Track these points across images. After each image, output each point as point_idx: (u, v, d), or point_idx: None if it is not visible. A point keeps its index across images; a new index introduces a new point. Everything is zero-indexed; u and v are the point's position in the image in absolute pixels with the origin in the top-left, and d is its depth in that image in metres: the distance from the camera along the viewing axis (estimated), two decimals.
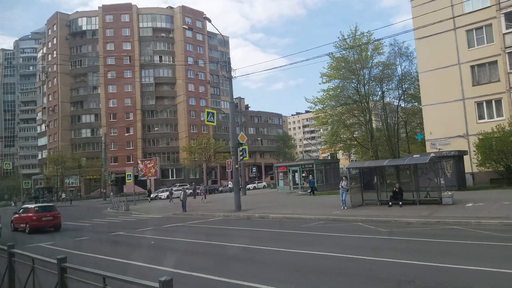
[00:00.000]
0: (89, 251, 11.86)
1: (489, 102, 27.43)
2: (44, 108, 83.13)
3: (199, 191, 36.23)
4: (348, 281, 7.04)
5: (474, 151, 25.12)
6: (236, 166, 23.51)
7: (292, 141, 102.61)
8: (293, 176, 36.98)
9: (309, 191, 30.28)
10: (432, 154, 22.13)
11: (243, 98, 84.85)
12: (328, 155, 55.35)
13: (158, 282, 3.08)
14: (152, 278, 6.63)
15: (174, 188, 51.26)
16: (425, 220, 14.09)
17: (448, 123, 28.39)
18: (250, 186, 58.76)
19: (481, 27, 28.07)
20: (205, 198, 31.99)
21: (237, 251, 11.05)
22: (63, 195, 58.17)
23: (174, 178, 73.04)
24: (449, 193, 17.52)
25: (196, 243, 13.25)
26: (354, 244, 11.07)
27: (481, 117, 27.58)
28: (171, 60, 77.93)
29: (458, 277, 7.10)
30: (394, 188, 18.54)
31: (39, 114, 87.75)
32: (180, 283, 7.38)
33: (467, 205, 16.69)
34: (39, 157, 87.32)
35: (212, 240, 13.46)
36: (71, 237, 16.33)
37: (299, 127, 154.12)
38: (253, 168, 70.94)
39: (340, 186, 19.70)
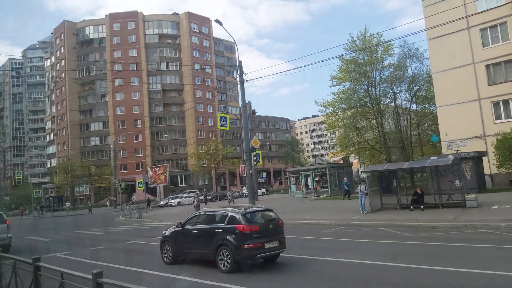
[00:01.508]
0: (108, 261, 11.52)
1: (506, 102, 26.84)
2: (53, 117, 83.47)
3: (228, 195, 36.02)
4: None
5: (493, 152, 24.55)
6: (250, 172, 23.12)
7: (300, 146, 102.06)
8: (306, 181, 36.52)
9: (343, 194, 28.46)
10: (451, 156, 21.62)
11: (250, 102, 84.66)
12: (341, 158, 54.73)
13: None
14: None
15: (184, 195, 51.09)
16: (452, 224, 13.61)
17: (464, 124, 27.81)
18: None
19: (495, 26, 27.57)
20: (233, 203, 31.33)
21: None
22: (67, 204, 58.38)
23: (183, 184, 72.75)
24: (473, 195, 16.98)
25: None
26: (383, 250, 10.61)
27: (498, 117, 26.98)
28: (178, 66, 77.99)
29: (507, 285, 6.66)
30: (416, 192, 18.03)
31: (48, 123, 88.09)
32: None
33: (492, 207, 16.16)
34: (48, 165, 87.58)
35: None
36: (87, 246, 16.01)
37: (306, 131, 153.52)
38: (263, 174, 70.48)
39: (359, 190, 19.25)
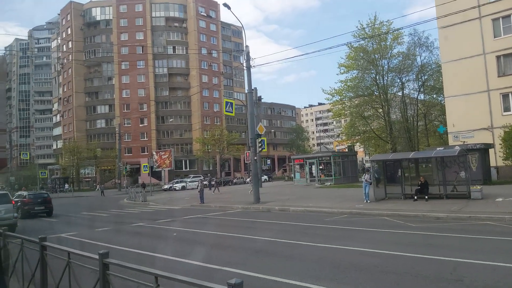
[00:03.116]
0: (113, 242, 11.68)
1: None
2: (60, 98, 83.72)
3: (250, 181, 34.08)
4: (394, 280, 6.64)
5: (500, 144, 24.37)
6: (255, 158, 23.14)
7: (306, 134, 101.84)
8: (310, 169, 36.57)
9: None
10: (457, 147, 21.53)
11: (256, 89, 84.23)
12: (346, 147, 54.64)
13: (227, 285, 2.71)
14: (183, 273, 6.30)
15: (189, 180, 51.36)
16: (456, 215, 13.59)
17: (472, 115, 27.58)
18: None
19: (508, 16, 27.10)
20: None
21: (264, 245, 10.72)
22: (66, 186, 59.42)
23: (188, 169, 73.09)
24: (478, 187, 16.94)
25: (220, 236, 12.98)
26: (386, 239, 10.65)
27: (506, 109, 26.72)
28: (185, 50, 77.55)
29: (508, 276, 6.68)
30: (420, 182, 18.00)
31: (55, 105, 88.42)
32: (214, 279, 7.09)
33: (497, 199, 16.14)
34: (54, 147, 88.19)
35: (235, 233, 13.18)
36: (92, 228, 16.20)
37: (312, 119, 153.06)
38: (268, 161, 70.58)
39: (363, 179, 19.25)
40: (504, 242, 9.53)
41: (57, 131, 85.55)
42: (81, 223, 19.21)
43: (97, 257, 4.15)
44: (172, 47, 77.54)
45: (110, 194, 46.86)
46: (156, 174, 57.30)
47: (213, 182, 37.52)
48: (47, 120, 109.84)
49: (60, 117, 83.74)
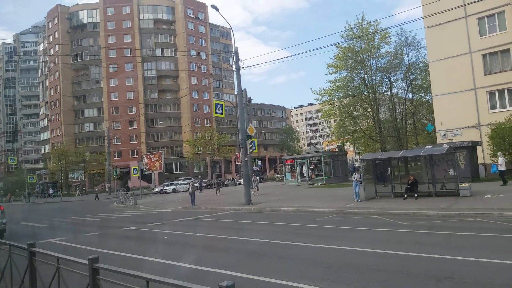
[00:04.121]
0: (104, 247, 11.55)
1: (501, 92, 26.94)
2: (47, 102, 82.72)
3: (252, 181, 30.07)
4: (386, 279, 6.68)
5: (488, 141, 24.71)
6: (246, 159, 23.13)
7: (296, 134, 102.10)
8: (301, 169, 36.67)
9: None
10: (445, 145, 21.77)
11: (246, 90, 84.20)
12: (336, 147, 54.94)
13: (219, 287, 2.70)
14: (175, 276, 6.23)
15: (179, 183, 51.14)
16: (445, 213, 13.72)
17: (460, 113, 27.91)
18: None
19: (493, 15, 27.50)
20: (257, 189, 28.96)
21: (256, 246, 10.70)
22: (51, 191, 59.29)
23: (178, 172, 72.79)
24: (467, 184, 17.13)
25: (211, 238, 12.93)
26: (377, 238, 10.72)
27: (493, 106, 27.10)
28: (173, 52, 77.24)
29: (497, 273, 6.75)
30: (409, 180, 18.15)
31: (42, 109, 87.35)
32: (206, 281, 7.05)
33: (485, 196, 16.33)
34: (42, 151, 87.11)
35: (227, 235, 13.15)
36: (82, 232, 16.02)
37: (302, 120, 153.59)
38: (259, 162, 70.62)
39: (353, 179, 19.34)
40: (493, 239, 9.63)
41: (45, 135, 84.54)
42: (70, 228, 18.98)
43: (86, 262, 4.11)
44: (160, 49, 77.18)
45: (100, 197, 46.43)
46: (146, 177, 57.01)
47: (196, 185, 36.92)
48: (35, 125, 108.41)
49: (47, 121, 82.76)
